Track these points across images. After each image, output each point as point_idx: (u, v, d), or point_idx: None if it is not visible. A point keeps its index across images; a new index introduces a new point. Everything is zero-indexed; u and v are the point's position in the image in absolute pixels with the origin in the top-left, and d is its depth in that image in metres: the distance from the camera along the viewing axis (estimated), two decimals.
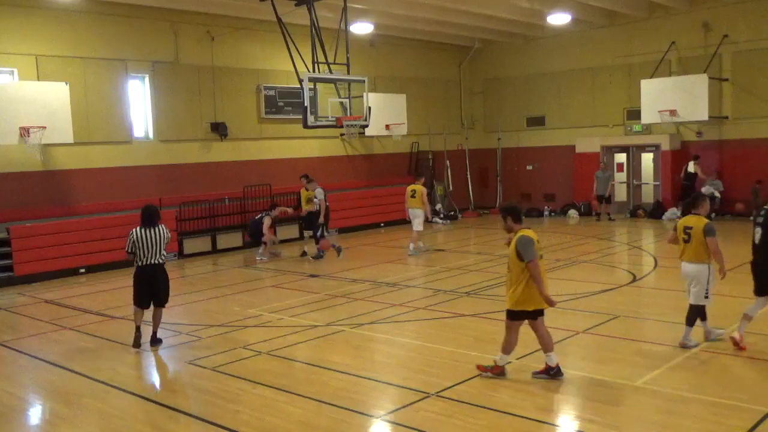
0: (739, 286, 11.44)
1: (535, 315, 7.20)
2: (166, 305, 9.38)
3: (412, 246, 16.07)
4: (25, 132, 14.02)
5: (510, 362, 7.41)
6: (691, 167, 20.27)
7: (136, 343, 9.08)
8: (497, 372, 7.27)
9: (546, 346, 7.23)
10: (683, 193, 20.67)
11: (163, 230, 9.12)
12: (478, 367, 7.39)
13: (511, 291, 7.17)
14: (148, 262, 9.04)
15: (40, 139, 14.23)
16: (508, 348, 7.28)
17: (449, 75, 25.58)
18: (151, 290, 9.16)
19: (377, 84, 21.62)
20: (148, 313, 9.29)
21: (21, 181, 15.25)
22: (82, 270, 15.32)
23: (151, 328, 9.26)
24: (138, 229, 9.00)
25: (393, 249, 17.13)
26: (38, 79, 15.18)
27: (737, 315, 9.41)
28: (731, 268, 12.81)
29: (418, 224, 16.03)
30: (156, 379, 8.33)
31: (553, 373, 7.14)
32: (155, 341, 9.19)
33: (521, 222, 7.26)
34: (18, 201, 15.24)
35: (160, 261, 9.12)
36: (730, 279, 12.04)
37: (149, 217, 9.09)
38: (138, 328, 9.15)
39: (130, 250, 9.06)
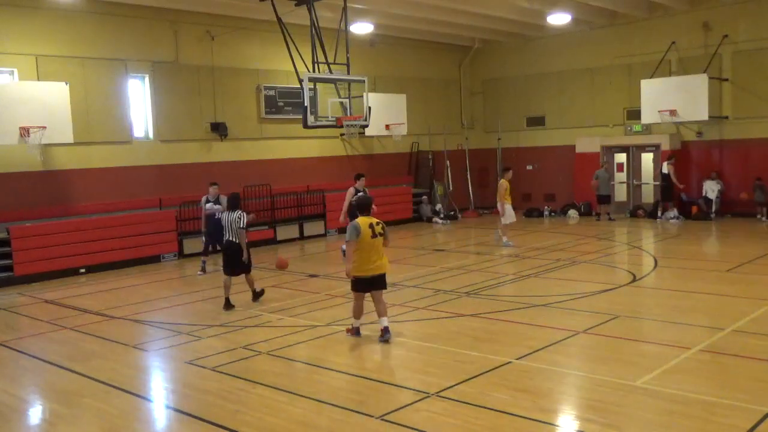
0: (739, 286, 11.47)
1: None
2: (244, 274, 11.45)
3: (505, 238, 16.41)
4: (25, 132, 14.01)
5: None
6: (665, 168, 20.29)
7: (227, 306, 11.12)
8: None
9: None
10: (662, 194, 20.70)
11: (239, 215, 11.17)
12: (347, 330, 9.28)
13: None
14: (227, 239, 11.27)
15: (40, 139, 14.23)
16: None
17: (449, 75, 25.59)
18: (231, 262, 11.21)
19: (377, 84, 21.62)
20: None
21: (21, 181, 15.26)
22: (83, 270, 15.33)
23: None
24: (225, 212, 11.44)
25: (392, 249, 17.09)
26: (38, 79, 15.18)
27: (737, 314, 9.44)
28: (731, 268, 12.88)
29: (504, 218, 16.39)
30: (155, 378, 8.33)
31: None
32: (254, 298, 11.55)
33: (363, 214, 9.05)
34: (18, 201, 15.24)
35: (232, 239, 11.18)
36: (730, 279, 12.09)
37: (229, 201, 11.48)
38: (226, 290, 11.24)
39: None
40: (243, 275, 11.44)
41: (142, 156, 17.29)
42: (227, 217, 11.26)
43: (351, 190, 15.08)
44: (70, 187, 16.11)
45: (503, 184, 16.29)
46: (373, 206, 9.51)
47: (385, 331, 8.92)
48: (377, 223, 8.97)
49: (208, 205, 14.42)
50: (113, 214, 16.32)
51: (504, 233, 16.47)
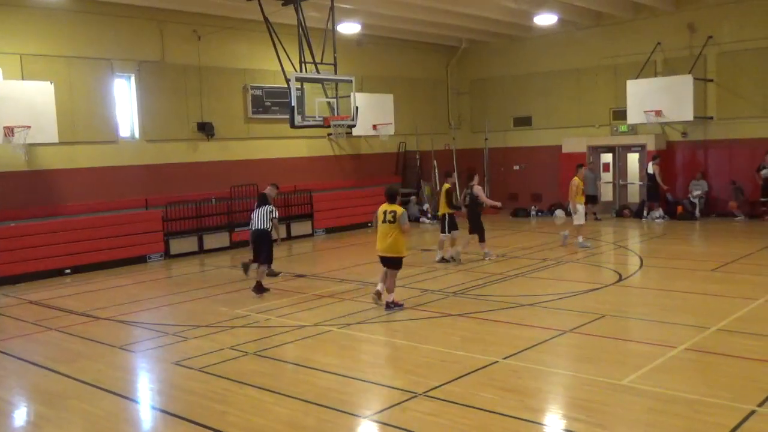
0: (725, 285, 11.56)
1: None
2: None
3: (580, 239, 15.88)
4: (9, 132, 13.89)
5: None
6: (650, 168, 20.42)
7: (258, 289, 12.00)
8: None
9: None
10: (648, 194, 20.84)
11: (270, 209, 12.51)
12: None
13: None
14: (255, 228, 12.43)
15: (25, 139, 14.11)
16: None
17: (436, 75, 25.62)
18: (258, 249, 12.41)
19: (364, 84, 21.61)
20: None
21: (5, 181, 15.11)
22: (68, 270, 15.22)
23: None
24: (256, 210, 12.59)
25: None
26: (23, 79, 15.04)
27: (722, 313, 9.51)
28: (717, 267, 12.98)
29: (575, 218, 15.89)
30: (142, 380, 8.28)
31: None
32: (256, 289, 12.03)
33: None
34: (2, 201, 15.10)
35: (260, 227, 12.35)
36: (715, 278, 12.19)
37: (258, 199, 12.83)
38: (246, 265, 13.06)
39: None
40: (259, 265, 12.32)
41: (128, 156, 17.18)
42: (258, 212, 12.46)
43: (573, 181, 15.83)
44: (55, 187, 15.99)
45: (575, 182, 15.82)
46: (399, 197, 10.91)
47: (386, 305, 10.50)
48: (390, 211, 10.41)
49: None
50: (99, 214, 16.21)
51: (578, 233, 15.93)
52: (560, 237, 16.36)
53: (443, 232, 14.54)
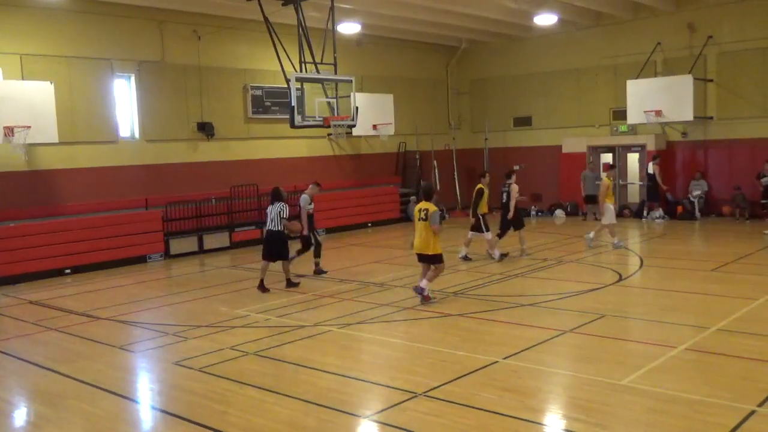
0: (725, 285, 11.56)
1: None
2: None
3: (615, 239, 15.74)
4: (9, 132, 13.89)
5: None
6: (650, 168, 20.41)
7: (261, 288, 12.33)
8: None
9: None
10: (648, 194, 20.84)
11: (280, 207, 12.35)
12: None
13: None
14: (268, 228, 12.48)
15: (25, 139, 14.11)
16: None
17: (436, 75, 25.62)
18: (270, 249, 12.42)
19: (364, 84, 21.61)
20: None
21: (5, 181, 15.11)
22: (68, 270, 15.22)
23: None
24: (270, 206, 12.57)
25: (380, 249, 17.13)
26: (23, 79, 15.04)
27: (722, 313, 9.51)
28: (717, 267, 12.98)
29: (603, 218, 15.76)
30: (142, 380, 8.28)
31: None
32: (288, 285, 12.53)
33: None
34: (2, 201, 15.10)
35: (273, 228, 12.34)
36: (715, 278, 12.19)
37: (272, 196, 12.67)
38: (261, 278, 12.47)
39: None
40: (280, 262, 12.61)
41: (128, 156, 17.18)
42: (270, 210, 12.47)
43: (603, 182, 15.82)
44: (55, 187, 15.98)
45: (606, 182, 15.68)
46: (436, 192, 11.01)
47: (418, 289, 10.84)
48: (424, 209, 10.61)
49: (311, 206, 14.09)
50: (99, 214, 16.21)
51: (612, 234, 15.81)
52: (586, 240, 16.11)
53: (476, 231, 14.58)
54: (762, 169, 18.47)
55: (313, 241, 13.92)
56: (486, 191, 14.59)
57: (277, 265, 12.72)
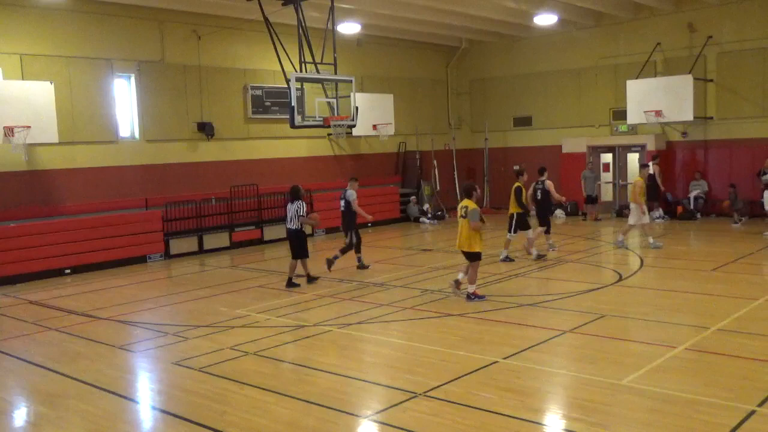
0: (724, 285, 11.56)
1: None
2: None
3: (651, 239, 15.50)
4: (9, 131, 13.90)
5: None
6: (650, 168, 20.34)
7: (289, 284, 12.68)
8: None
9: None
10: (648, 194, 20.76)
11: (297, 205, 12.53)
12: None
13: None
14: (287, 227, 12.80)
15: (25, 139, 14.12)
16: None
17: (436, 75, 25.62)
18: (292, 247, 12.75)
19: (364, 84, 21.62)
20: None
21: (5, 181, 15.12)
22: (68, 270, 15.22)
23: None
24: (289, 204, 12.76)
25: (380, 249, 17.13)
26: (23, 79, 15.05)
27: (722, 313, 9.51)
28: (717, 267, 12.97)
29: (630, 218, 15.60)
30: (142, 380, 8.28)
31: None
32: (309, 280, 12.81)
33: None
34: (2, 201, 15.10)
35: (291, 227, 12.62)
36: (715, 278, 12.19)
37: (291, 194, 12.84)
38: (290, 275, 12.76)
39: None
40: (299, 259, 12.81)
41: (127, 156, 17.18)
42: (289, 208, 12.70)
43: (636, 181, 15.70)
44: (55, 187, 15.98)
45: (639, 182, 15.49)
46: (477, 191, 11.05)
47: (467, 296, 10.90)
48: (463, 207, 10.73)
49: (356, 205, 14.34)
50: (98, 214, 16.21)
51: (648, 234, 15.60)
52: (616, 243, 15.85)
53: (510, 231, 14.49)
54: (763, 166, 18.39)
55: (354, 238, 14.14)
56: (524, 189, 14.51)
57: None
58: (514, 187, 14.41)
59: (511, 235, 14.54)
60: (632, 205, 15.52)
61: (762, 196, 17.65)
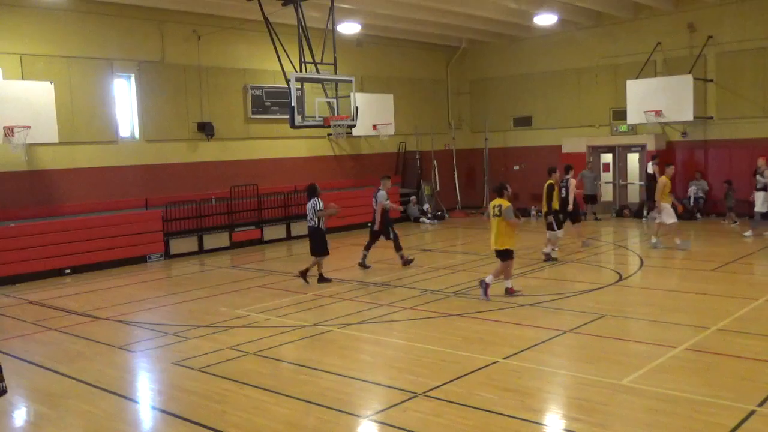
0: (724, 285, 11.56)
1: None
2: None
3: (678, 240, 15.17)
4: (9, 131, 13.90)
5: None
6: (650, 168, 20.38)
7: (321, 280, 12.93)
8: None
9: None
10: (648, 194, 20.78)
11: (314, 202, 12.74)
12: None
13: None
14: (308, 225, 13.02)
15: (25, 139, 14.12)
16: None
17: (436, 75, 25.62)
18: (312, 243, 12.95)
19: (364, 84, 21.61)
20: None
21: (5, 181, 15.12)
22: (68, 271, 15.22)
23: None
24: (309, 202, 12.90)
25: (380, 249, 17.10)
26: (23, 79, 15.05)
27: (722, 313, 9.51)
28: (717, 267, 12.97)
29: (664, 218, 15.31)
30: (142, 380, 8.28)
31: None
32: (320, 280, 12.90)
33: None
34: (2, 201, 15.10)
35: (310, 224, 12.85)
36: (715, 278, 12.19)
37: (307, 192, 13.04)
38: (306, 271, 12.94)
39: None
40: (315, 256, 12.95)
41: (127, 156, 17.18)
42: (308, 206, 12.92)
43: (660, 180, 15.59)
44: (55, 188, 15.99)
45: (663, 181, 15.22)
46: (508, 189, 11.05)
47: (505, 291, 11.08)
48: (497, 205, 10.79)
49: (387, 201, 14.52)
50: (99, 214, 16.21)
51: (675, 234, 15.23)
52: (651, 244, 15.55)
53: (550, 229, 14.51)
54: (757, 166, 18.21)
55: (391, 235, 14.30)
56: (556, 187, 14.51)
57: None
58: (546, 185, 14.52)
59: (551, 234, 14.51)
60: (662, 205, 15.28)
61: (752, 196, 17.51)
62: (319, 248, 12.90)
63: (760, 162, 17.32)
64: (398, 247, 14.34)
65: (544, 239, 14.92)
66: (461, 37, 24.37)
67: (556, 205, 14.55)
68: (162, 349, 9.11)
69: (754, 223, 16.76)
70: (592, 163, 22.12)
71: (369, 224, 14.90)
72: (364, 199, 21.38)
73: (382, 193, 14.33)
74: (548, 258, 14.33)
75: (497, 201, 10.91)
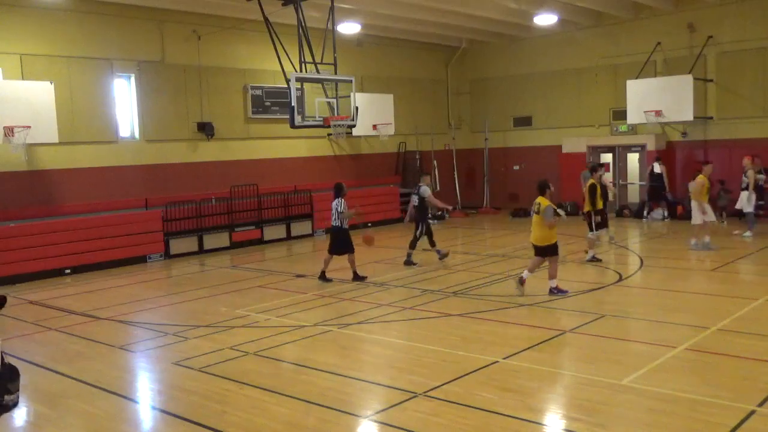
0: (725, 285, 11.57)
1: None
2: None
3: (707, 239, 14.92)
4: (9, 131, 13.89)
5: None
6: (657, 168, 20.37)
7: (322, 278, 13.01)
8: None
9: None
10: (651, 193, 20.80)
11: (337, 202, 12.79)
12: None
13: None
14: (331, 224, 13.01)
15: (25, 139, 14.11)
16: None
17: (436, 75, 25.62)
18: (335, 243, 12.92)
19: (364, 84, 21.61)
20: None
21: (5, 181, 15.12)
22: (68, 271, 15.22)
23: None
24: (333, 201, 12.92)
25: (380, 249, 17.11)
26: (23, 79, 15.04)
27: (722, 313, 9.51)
28: (717, 267, 12.96)
29: (693, 219, 15.04)
30: (142, 380, 8.28)
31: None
32: (355, 278, 12.91)
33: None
34: (2, 201, 15.10)
35: (333, 224, 12.87)
36: (715, 278, 12.19)
37: (334, 191, 13.05)
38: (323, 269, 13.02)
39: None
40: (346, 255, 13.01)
41: (128, 156, 17.18)
42: (332, 205, 12.95)
43: (698, 180, 15.05)
44: (55, 187, 15.99)
45: (700, 180, 14.86)
46: (550, 188, 11.10)
47: (549, 291, 11.05)
48: (537, 204, 10.97)
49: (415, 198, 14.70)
50: (99, 214, 16.20)
51: (706, 233, 14.96)
52: (692, 246, 15.13)
53: (592, 230, 14.25)
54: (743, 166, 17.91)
55: (425, 230, 14.44)
56: (598, 187, 14.20)
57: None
58: (588, 184, 14.21)
59: (593, 234, 14.24)
60: (693, 204, 15.00)
61: (758, 199, 17.44)
62: (341, 247, 12.95)
63: (746, 161, 17.23)
64: (432, 243, 14.60)
65: (585, 242, 14.53)
66: (461, 37, 24.37)
67: (600, 204, 14.13)
68: (162, 349, 9.11)
69: (751, 224, 16.73)
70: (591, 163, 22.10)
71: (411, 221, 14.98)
72: (364, 199, 21.42)
73: (425, 188, 14.54)
74: (594, 259, 14.02)
75: (538, 199, 11.07)
